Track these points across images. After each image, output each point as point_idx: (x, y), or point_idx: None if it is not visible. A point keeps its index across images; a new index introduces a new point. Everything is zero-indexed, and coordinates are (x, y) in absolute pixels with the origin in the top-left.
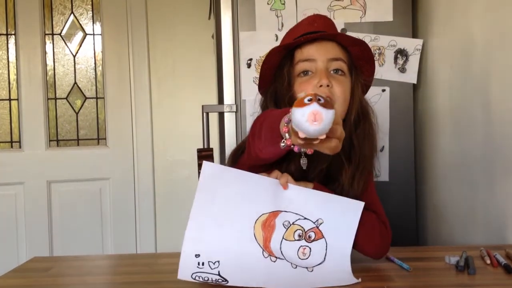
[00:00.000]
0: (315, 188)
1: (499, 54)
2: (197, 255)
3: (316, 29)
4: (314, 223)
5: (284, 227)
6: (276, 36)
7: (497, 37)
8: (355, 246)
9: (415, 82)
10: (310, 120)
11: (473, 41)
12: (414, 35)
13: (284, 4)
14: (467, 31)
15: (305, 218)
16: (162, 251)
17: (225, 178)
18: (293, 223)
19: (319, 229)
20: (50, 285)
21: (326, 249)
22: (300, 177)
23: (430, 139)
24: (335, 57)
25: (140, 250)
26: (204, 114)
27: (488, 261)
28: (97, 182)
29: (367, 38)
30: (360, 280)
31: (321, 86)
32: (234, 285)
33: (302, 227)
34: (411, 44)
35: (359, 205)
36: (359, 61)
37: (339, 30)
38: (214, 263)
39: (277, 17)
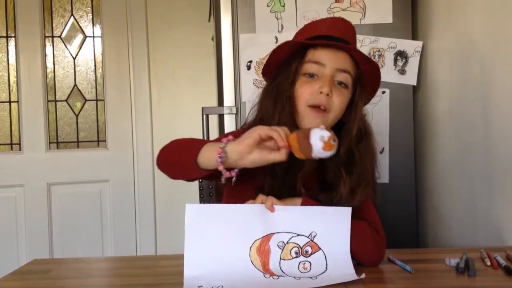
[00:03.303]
0: (303, 201)
1: (499, 55)
2: (200, 286)
3: (334, 35)
4: (308, 237)
5: (279, 248)
6: (276, 38)
7: (496, 39)
8: (354, 258)
9: (414, 84)
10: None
11: (473, 43)
12: (414, 37)
13: (284, 6)
14: (466, 33)
15: (298, 235)
16: (162, 253)
17: (210, 215)
18: (287, 242)
19: (314, 242)
20: (50, 287)
21: (326, 259)
22: (283, 186)
23: (430, 141)
24: (343, 69)
25: (140, 252)
26: (204, 116)
27: (488, 263)
28: (97, 184)
29: (366, 40)
30: (364, 275)
31: (321, 92)
32: None
33: (297, 244)
34: (411, 46)
35: (347, 211)
36: (365, 79)
37: None
38: (218, 287)
39: (277, 19)
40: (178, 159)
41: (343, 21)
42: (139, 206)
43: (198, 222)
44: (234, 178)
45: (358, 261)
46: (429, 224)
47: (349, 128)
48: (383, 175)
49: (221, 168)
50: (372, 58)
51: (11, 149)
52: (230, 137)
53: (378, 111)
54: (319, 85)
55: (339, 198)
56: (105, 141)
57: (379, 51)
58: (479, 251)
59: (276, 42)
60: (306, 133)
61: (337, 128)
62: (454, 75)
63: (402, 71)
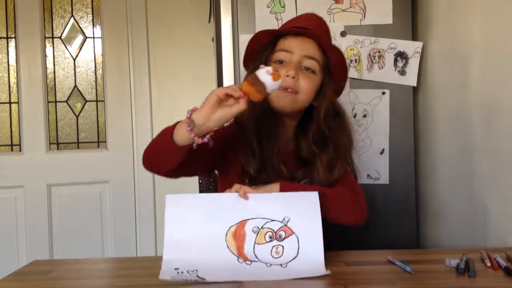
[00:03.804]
0: (281, 185)
1: (499, 56)
2: (176, 268)
3: (307, 27)
4: (281, 222)
5: (254, 233)
6: None
7: (496, 40)
8: (335, 220)
9: (415, 84)
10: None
11: (472, 44)
12: (414, 37)
13: (284, 7)
14: (466, 34)
15: (273, 220)
16: (162, 254)
17: (189, 204)
18: (262, 227)
19: (288, 227)
20: None
21: (298, 244)
22: (264, 166)
23: (430, 142)
24: (310, 56)
25: (140, 253)
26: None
27: (489, 264)
28: (97, 185)
29: (367, 41)
30: (329, 272)
31: (287, 76)
32: (212, 281)
33: (272, 228)
34: (411, 47)
35: (314, 195)
36: (334, 68)
37: (338, 33)
38: (192, 271)
39: (277, 20)
40: (158, 148)
41: (317, 17)
42: (139, 207)
43: (177, 210)
44: (210, 143)
45: (343, 223)
46: (429, 224)
47: (319, 110)
48: (383, 175)
49: (192, 135)
50: (372, 59)
51: (11, 150)
52: (194, 107)
53: (378, 112)
54: (286, 70)
55: (317, 173)
56: (105, 142)
57: (379, 52)
58: (479, 252)
59: None
60: (254, 76)
61: (310, 112)
62: (454, 76)
63: (402, 72)
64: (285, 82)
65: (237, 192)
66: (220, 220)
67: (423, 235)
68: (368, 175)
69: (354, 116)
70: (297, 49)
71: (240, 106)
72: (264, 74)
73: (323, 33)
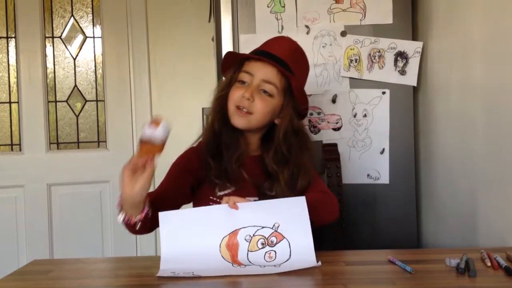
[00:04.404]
0: None
1: (499, 56)
2: (172, 272)
3: (274, 51)
4: (272, 228)
5: (247, 241)
6: None
7: (496, 40)
8: (319, 223)
9: (415, 84)
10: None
11: (473, 44)
12: (414, 37)
13: (284, 7)
14: (466, 34)
15: (263, 227)
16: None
17: (182, 220)
18: (254, 235)
19: (278, 232)
20: None
21: (290, 247)
22: (223, 174)
23: (431, 142)
24: (269, 81)
25: (140, 253)
26: (204, 116)
27: (489, 264)
28: (98, 184)
29: (367, 40)
30: (320, 264)
31: (243, 97)
32: (208, 275)
33: (263, 235)
34: (411, 47)
35: (301, 200)
36: (296, 91)
37: (338, 33)
38: (188, 273)
39: (277, 19)
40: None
41: (287, 41)
42: None
43: (171, 227)
44: (149, 213)
45: (327, 223)
46: (429, 224)
47: (279, 129)
48: (383, 175)
49: (133, 221)
50: (372, 59)
51: (12, 149)
52: (119, 198)
53: (378, 112)
54: (244, 91)
55: (280, 187)
56: (105, 141)
57: (379, 51)
58: (479, 252)
59: None
60: (141, 138)
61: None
62: (454, 76)
63: (403, 72)
64: (242, 102)
65: (227, 203)
66: (213, 232)
67: (423, 235)
68: (368, 175)
69: (354, 116)
70: (257, 73)
71: (150, 168)
72: (147, 130)
73: (290, 58)
